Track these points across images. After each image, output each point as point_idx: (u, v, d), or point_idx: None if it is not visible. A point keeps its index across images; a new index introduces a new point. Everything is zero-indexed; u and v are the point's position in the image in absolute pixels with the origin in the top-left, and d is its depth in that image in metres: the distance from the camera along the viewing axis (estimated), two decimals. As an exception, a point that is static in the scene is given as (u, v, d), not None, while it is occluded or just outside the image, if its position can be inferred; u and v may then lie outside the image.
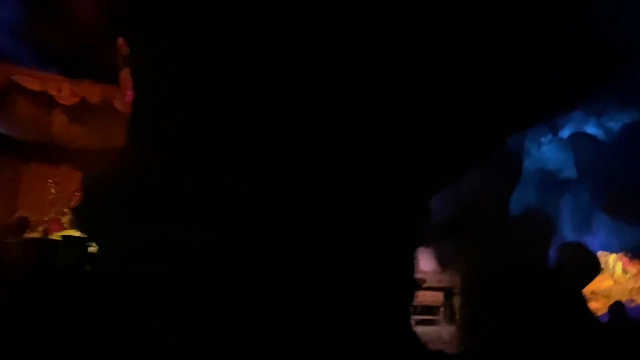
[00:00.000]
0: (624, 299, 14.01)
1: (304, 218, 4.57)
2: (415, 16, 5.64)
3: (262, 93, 4.43)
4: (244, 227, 4.40)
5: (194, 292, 4.16)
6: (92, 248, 5.11)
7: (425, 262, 11.20)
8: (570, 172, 12.16)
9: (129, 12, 4.58)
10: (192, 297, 4.17)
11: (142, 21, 4.29)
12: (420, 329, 10.35)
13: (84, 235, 5.11)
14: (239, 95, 4.35)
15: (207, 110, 4.22)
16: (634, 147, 10.63)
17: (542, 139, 12.18)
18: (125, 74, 8.00)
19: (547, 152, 12.39)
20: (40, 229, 9.08)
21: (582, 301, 11.34)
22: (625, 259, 15.50)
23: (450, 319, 10.89)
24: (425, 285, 10.88)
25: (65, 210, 9.70)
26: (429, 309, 10.71)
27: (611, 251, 14.10)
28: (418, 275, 10.74)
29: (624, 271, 15.94)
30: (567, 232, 12.94)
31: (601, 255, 15.54)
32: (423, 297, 10.72)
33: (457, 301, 10.99)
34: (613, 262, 16.06)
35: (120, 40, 6.59)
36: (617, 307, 12.25)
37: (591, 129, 11.34)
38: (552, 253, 11.36)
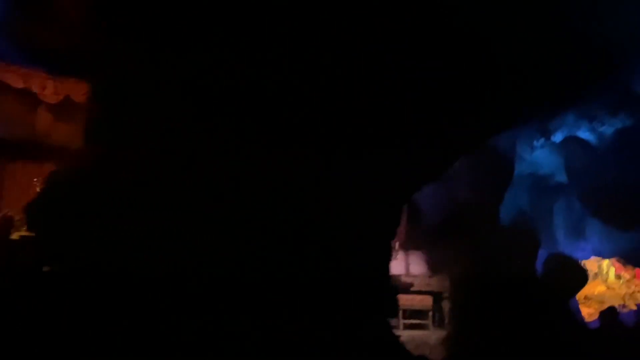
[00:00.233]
0: (616, 304, 13.98)
1: (277, 217, 4.51)
2: (402, 14, 5.57)
3: (235, 90, 4.36)
4: (208, 225, 4.33)
5: (150, 292, 4.11)
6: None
7: (415, 266, 11.14)
8: (563, 177, 12.06)
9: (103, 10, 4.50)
10: (148, 298, 4.10)
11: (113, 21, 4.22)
12: (408, 333, 10.29)
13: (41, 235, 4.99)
14: (209, 93, 4.28)
15: (168, 106, 4.16)
16: (626, 153, 10.53)
17: (535, 143, 12.06)
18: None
19: (539, 156, 12.28)
20: (24, 228, 8.98)
21: (570, 308, 11.26)
22: (619, 264, 15.47)
23: (440, 324, 10.80)
24: (414, 289, 10.82)
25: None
26: (417, 313, 10.63)
27: (604, 256, 14.04)
28: (406, 279, 10.69)
29: (617, 276, 15.91)
30: (560, 238, 12.82)
31: (594, 260, 15.53)
32: (412, 300, 10.66)
33: (446, 305, 10.92)
34: (606, 268, 16.03)
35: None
36: (608, 313, 12.21)
37: (584, 134, 11.24)
38: (541, 261, 11.26)
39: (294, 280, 4.82)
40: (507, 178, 10.99)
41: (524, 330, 10.00)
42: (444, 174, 9.63)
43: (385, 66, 5.43)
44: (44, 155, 9.43)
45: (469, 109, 6.45)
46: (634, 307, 13.71)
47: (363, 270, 4.98)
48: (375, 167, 5.05)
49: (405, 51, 5.65)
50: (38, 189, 7.65)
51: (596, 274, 16.09)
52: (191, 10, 4.44)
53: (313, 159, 4.69)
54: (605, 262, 15.64)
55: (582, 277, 11.74)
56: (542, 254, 11.83)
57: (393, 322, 10.32)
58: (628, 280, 15.55)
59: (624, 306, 14.12)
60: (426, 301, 10.65)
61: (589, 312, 14.02)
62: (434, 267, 11.15)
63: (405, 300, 10.57)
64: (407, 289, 10.52)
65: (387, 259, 5.96)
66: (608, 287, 15.75)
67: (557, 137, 11.70)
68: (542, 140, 11.90)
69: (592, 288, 15.63)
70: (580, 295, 13.54)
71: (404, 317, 10.51)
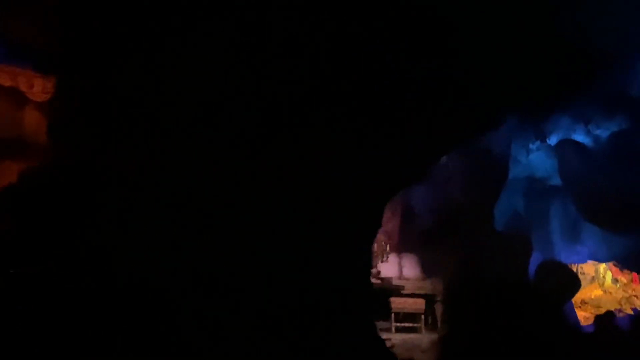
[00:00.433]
0: (613, 308, 13.88)
1: (255, 216, 4.44)
2: (392, 14, 5.51)
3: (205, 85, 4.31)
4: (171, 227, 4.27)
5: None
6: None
7: (408, 269, 11.05)
8: (558, 180, 11.95)
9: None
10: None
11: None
12: (400, 336, 10.22)
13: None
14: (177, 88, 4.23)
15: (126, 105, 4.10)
16: (621, 156, 10.43)
17: (531, 146, 11.98)
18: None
19: (535, 159, 12.19)
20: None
21: (563, 312, 11.16)
22: (616, 268, 15.37)
23: (432, 327, 10.72)
24: (407, 291, 10.73)
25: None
26: (410, 316, 10.54)
27: (600, 261, 13.93)
28: (397, 282, 10.61)
29: (614, 280, 15.81)
30: (556, 241, 12.70)
31: (591, 264, 15.43)
32: (404, 303, 10.58)
33: (439, 308, 10.83)
34: (603, 272, 15.94)
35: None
36: (603, 318, 12.10)
37: (579, 137, 11.15)
38: (535, 265, 11.16)
39: (272, 281, 4.74)
40: (501, 181, 10.89)
41: (516, 334, 9.92)
42: (429, 176, 9.58)
43: (368, 63, 5.37)
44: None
45: (452, 109, 6.40)
46: (630, 312, 13.59)
47: (342, 270, 4.90)
48: (357, 166, 4.98)
49: (395, 49, 5.59)
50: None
51: (593, 278, 16.02)
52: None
53: (291, 158, 4.62)
54: (602, 266, 15.54)
55: (575, 284, 11.64)
56: (537, 258, 11.74)
57: (385, 324, 10.33)
58: (625, 285, 15.46)
59: (620, 310, 14.00)
60: (419, 304, 10.57)
61: (585, 316, 13.92)
62: (427, 270, 11.06)
63: (397, 303, 10.52)
64: (399, 291, 10.44)
65: (368, 259, 5.89)
66: (605, 291, 15.65)
67: (553, 140, 11.62)
68: (537, 142, 11.82)
69: (589, 292, 15.54)
70: (576, 299, 13.45)
71: (396, 320, 10.45)
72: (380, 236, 11.24)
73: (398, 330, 10.34)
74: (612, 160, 10.43)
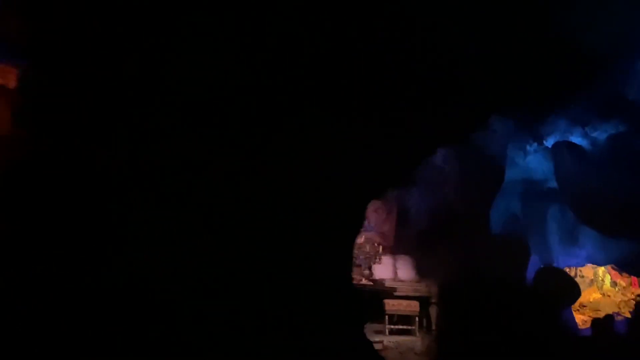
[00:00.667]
0: (611, 311, 13.79)
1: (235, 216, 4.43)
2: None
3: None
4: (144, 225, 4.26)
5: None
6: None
7: (403, 271, 11.01)
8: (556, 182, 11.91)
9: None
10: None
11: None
12: (394, 339, 10.18)
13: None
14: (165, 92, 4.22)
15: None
16: (619, 158, 10.36)
17: (528, 148, 11.92)
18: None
19: (532, 161, 12.14)
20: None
21: (560, 316, 11.10)
22: (615, 271, 15.28)
23: (427, 330, 10.67)
24: (402, 294, 10.69)
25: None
26: (404, 319, 10.49)
27: (599, 264, 13.83)
28: (391, 284, 10.58)
29: (613, 284, 15.72)
30: (554, 244, 12.67)
31: (590, 267, 15.35)
32: (398, 305, 10.52)
33: (433, 311, 10.78)
34: (602, 275, 15.85)
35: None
36: (600, 322, 12.03)
37: (576, 139, 11.08)
38: (532, 268, 11.11)
39: (253, 281, 4.73)
40: (497, 183, 10.84)
41: (512, 337, 9.87)
42: (423, 177, 9.56)
43: (359, 63, 5.35)
44: None
45: (446, 110, 6.37)
46: (629, 315, 13.51)
47: (323, 270, 4.89)
48: (341, 166, 4.96)
49: (389, 49, 5.56)
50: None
51: (592, 281, 15.94)
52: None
53: (274, 156, 4.61)
54: (601, 269, 15.45)
55: (574, 292, 11.59)
56: (535, 261, 11.69)
57: (379, 327, 10.30)
58: (624, 288, 15.38)
59: (618, 314, 13.92)
60: (413, 306, 10.50)
61: (583, 320, 13.86)
62: (422, 272, 11.01)
63: (391, 305, 10.46)
64: (392, 293, 10.40)
65: (349, 259, 5.87)
66: (603, 295, 15.58)
67: (550, 142, 11.56)
68: (535, 145, 11.76)
69: (588, 295, 15.45)
70: (575, 303, 13.38)
71: (390, 322, 10.38)
72: (374, 237, 11.24)
73: (392, 332, 10.28)
74: (609, 162, 10.36)
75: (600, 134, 10.83)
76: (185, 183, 4.39)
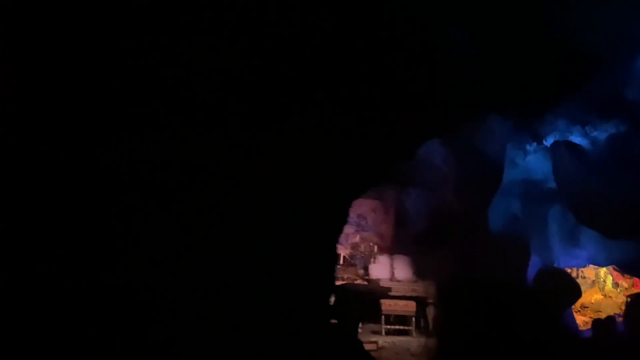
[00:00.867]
0: (613, 312, 13.66)
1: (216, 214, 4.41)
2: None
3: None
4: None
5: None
6: None
7: (400, 271, 10.96)
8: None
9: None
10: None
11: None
12: (390, 339, 10.12)
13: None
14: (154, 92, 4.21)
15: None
16: (619, 158, 10.25)
17: (528, 148, 11.83)
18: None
19: (532, 161, 12.03)
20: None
21: (560, 318, 11.01)
22: (616, 272, 15.14)
23: (423, 330, 10.62)
24: (399, 294, 10.64)
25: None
26: (401, 319, 10.44)
27: (600, 265, 13.71)
28: (387, 284, 10.53)
29: (615, 285, 15.58)
30: (554, 245, 12.55)
31: (592, 268, 15.21)
32: (395, 306, 10.47)
33: (430, 311, 10.72)
34: (604, 276, 15.71)
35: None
36: (601, 323, 11.93)
37: (576, 139, 10.98)
38: (532, 269, 11.02)
39: (239, 281, 4.71)
40: (496, 183, 10.75)
41: (510, 338, 9.80)
42: (421, 178, 9.51)
43: (352, 61, 5.32)
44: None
45: (442, 110, 6.33)
46: (630, 316, 13.37)
47: (308, 269, 4.86)
48: (325, 164, 4.92)
49: (384, 49, 5.53)
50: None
51: (593, 282, 15.80)
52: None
53: (257, 154, 4.59)
54: (603, 270, 15.31)
55: (575, 293, 11.49)
56: (535, 262, 11.60)
57: (375, 327, 10.26)
58: (626, 289, 15.23)
59: (619, 315, 13.80)
60: (410, 306, 10.44)
61: (584, 321, 13.76)
62: (419, 272, 10.95)
63: (388, 305, 10.41)
64: (388, 293, 10.35)
65: (333, 258, 5.83)
66: (605, 296, 15.44)
67: (550, 142, 11.46)
68: (534, 144, 11.67)
69: (589, 296, 15.32)
70: (576, 303, 13.27)
71: (387, 322, 10.33)
72: (371, 237, 11.20)
73: (388, 332, 10.23)
74: (609, 162, 10.25)
75: (600, 134, 10.73)
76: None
